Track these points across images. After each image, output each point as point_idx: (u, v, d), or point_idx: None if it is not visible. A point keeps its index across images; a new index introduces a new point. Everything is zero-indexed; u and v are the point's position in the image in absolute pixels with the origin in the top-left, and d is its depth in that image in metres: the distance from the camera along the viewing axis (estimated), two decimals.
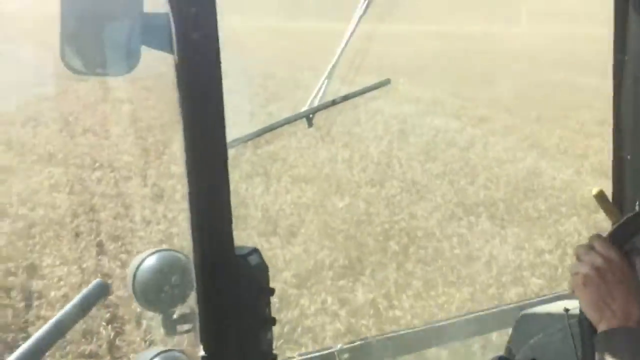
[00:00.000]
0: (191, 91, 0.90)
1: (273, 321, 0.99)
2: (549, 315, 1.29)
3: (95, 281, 1.26)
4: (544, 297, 1.93)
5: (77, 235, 5.96)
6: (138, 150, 8.55)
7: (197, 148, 0.92)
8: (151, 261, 1.28)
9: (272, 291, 0.99)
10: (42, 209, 6.44)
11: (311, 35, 18.43)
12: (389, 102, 12.48)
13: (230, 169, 0.92)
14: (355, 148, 9.16)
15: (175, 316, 1.25)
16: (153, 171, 7.97)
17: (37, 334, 1.13)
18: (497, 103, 12.46)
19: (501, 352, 1.38)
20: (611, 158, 1.53)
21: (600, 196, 1.10)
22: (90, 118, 10.33)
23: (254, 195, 7.10)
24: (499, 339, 1.96)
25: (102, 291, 1.27)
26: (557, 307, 1.20)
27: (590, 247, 1.02)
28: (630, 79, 1.47)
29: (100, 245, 5.78)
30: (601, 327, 0.96)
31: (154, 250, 1.31)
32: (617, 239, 1.03)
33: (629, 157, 1.49)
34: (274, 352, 1.00)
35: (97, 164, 7.88)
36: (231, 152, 1.00)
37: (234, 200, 0.99)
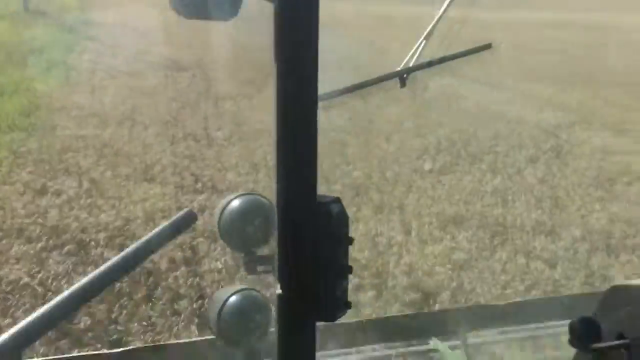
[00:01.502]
0: (287, 40, 0.90)
1: (349, 270, 0.97)
2: None
3: (185, 210, 1.32)
4: None
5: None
6: (245, 166, 6.98)
7: (288, 96, 0.91)
8: (236, 203, 1.30)
9: (351, 241, 0.98)
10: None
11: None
12: (530, 109, 10.31)
13: None
14: (504, 173, 7.14)
15: (256, 256, 1.25)
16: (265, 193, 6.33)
17: (127, 250, 1.24)
18: None
19: None
20: None
21: None
22: (190, 118, 8.88)
23: (390, 241, 5.30)
24: None
25: (190, 220, 1.33)
26: None
27: None
28: None
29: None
30: None
31: (239, 193, 1.32)
32: None
33: None
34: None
35: (199, 184, 6.37)
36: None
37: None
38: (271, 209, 1.15)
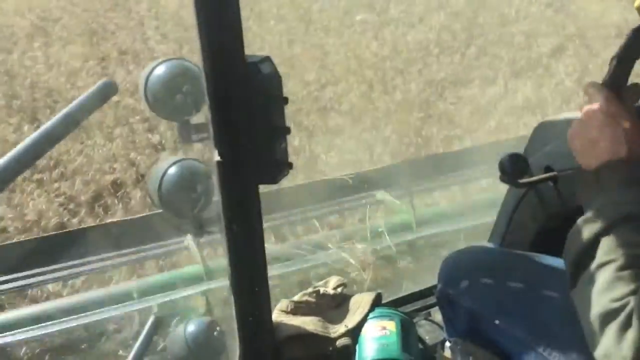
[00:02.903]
0: None
1: (287, 130, 0.96)
2: (567, 122, 1.06)
3: (103, 80, 1.36)
4: None
5: None
6: None
7: None
8: (161, 70, 1.24)
9: (285, 100, 0.95)
10: None
11: None
12: None
13: None
14: (537, 78, 5.65)
15: (190, 125, 1.21)
16: None
17: (46, 125, 1.27)
18: None
19: None
20: None
21: None
22: (122, 27, 6.79)
23: None
24: None
25: (110, 90, 1.36)
26: (576, 114, 1.01)
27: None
28: None
29: None
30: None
31: (163, 59, 1.26)
32: (613, 81, 0.94)
33: None
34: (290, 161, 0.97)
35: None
36: None
37: None
38: (200, 74, 0.92)
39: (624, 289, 0.75)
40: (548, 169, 1.22)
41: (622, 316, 0.74)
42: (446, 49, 6.32)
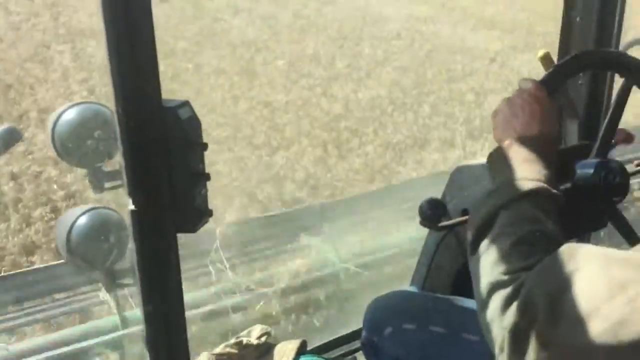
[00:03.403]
0: None
1: (207, 177, 0.95)
2: (483, 167, 1.15)
3: (5, 126, 1.20)
4: None
5: None
6: None
7: None
8: (71, 115, 1.16)
9: (205, 146, 0.94)
10: None
11: None
12: (462, 30, 8.59)
13: None
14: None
15: (102, 172, 1.15)
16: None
17: None
18: None
19: None
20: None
21: (546, 58, 1.11)
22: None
23: None
24: None
25: (13, 137, 1.21)
26: None
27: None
28: None
29: None
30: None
31: (73, 103, 1.18)
32: (547, 83, 1.04)
33: (578, 19, 1.46)
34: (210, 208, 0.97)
35: None
36: None
37: None
38: (113, 118, 0.88)
39: (516, 263, 0.77)
40: (465, 212, 1.26)
41: (510, 288, 0.75)
42: (399, 107, 6.06)
